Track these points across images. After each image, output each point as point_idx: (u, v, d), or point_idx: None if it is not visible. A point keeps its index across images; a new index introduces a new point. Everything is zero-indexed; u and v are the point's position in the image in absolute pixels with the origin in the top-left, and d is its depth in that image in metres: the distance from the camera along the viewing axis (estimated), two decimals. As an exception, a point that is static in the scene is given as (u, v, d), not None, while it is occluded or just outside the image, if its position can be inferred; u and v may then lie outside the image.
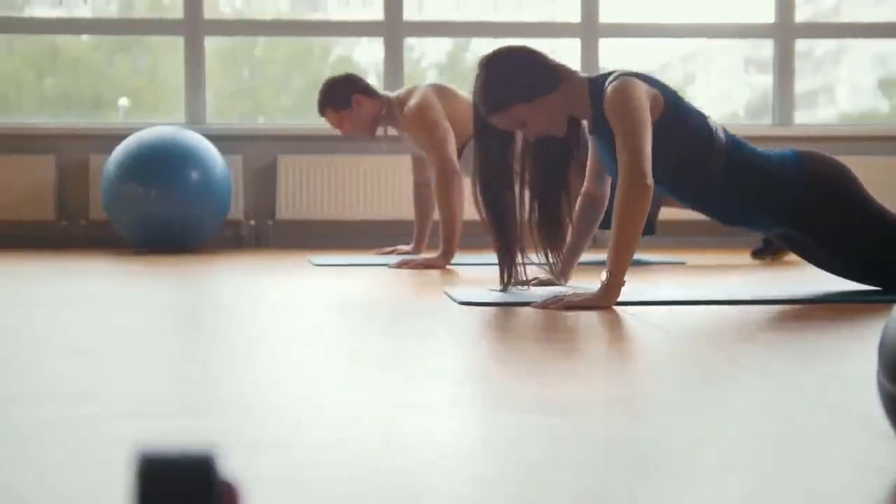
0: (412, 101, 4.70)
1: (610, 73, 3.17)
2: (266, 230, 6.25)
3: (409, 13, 6.45)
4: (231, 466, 1.29)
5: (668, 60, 9.30)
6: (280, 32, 6.77)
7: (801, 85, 9.89)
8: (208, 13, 6.38)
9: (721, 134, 3.19)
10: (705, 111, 3.23)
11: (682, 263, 4.89)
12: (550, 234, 3.34)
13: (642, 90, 3.07)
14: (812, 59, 10.29)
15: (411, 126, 4.69)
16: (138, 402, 1.68)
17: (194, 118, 6.29)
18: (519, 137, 3.26)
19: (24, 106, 7.17)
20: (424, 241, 5.21)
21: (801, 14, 6.60)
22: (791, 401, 1.71)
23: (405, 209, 5.82)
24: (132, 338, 2.43)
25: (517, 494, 1.18)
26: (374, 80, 6.12)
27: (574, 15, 6.44)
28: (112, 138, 5.86)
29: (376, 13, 6.39)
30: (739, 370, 2.00)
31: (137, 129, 5.73)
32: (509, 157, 3.27)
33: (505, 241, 3.31)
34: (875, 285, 3.28)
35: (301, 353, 2.23)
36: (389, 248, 5.38)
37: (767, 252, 4.95)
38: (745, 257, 5.09)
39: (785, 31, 6.50)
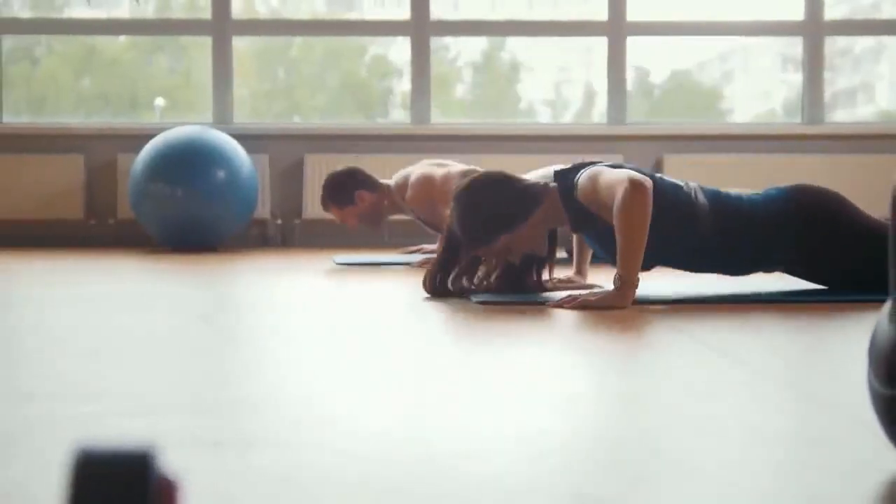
0: (412, 181, 4.71)
1: (573, 169, 3.17)
2: (293, 229, 6.26)
3: (444, 12, 6.45)
4: (226, 463, 1.30)
5: (706, 59, 9.27)
6: (306, 32, 6.79)
7: (840, 83, 9.81)
8: (238, 13, 6.40)
9: (701, 196, 3.14)
10: (678, 180, 3.20)
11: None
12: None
13: (611, 171, 3.07)
14: (851, 56, 10.22)
15: (418, 205, 4.68)
16: (143, 400, 1.68)
17: (222, 118, 6.32)
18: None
19: (62, 106, 7.25)
20: (449, 240, 5.19)
21: (839, 11, 6.54)
22: (792, 399, 1.70)
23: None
24: (144, 336, 2.45)
25: (522, 494, 1.18)
26: (406, 79, 6.13)
27: (602, 13, 6.42)
28: (140, 138, 5.90)
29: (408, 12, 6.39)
30: (742, 368, 1.99)
31: (165, 129, 5.76)
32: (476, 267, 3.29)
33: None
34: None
35: (309, 353, 2.24)
36: (414, 248, 5.38)
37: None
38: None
39: (814, 29, 6.45)
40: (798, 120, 6.65)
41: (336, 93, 7.36)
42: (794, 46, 7.06)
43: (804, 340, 2.38)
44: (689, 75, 8.61)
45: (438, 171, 4.67)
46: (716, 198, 3.16)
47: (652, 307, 2.94)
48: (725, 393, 1.74)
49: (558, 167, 3.40)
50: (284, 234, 6.26)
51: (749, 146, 6.36)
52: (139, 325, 2.61)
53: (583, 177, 3.09)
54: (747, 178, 5.97)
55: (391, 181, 4.90)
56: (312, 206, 6.21)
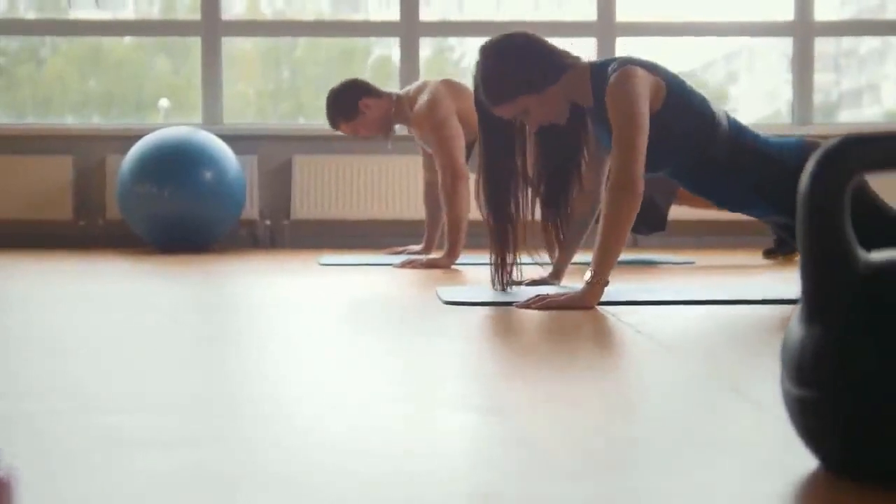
0: (422, 99, 4.70)
1: (613, 60, 3.17)
2: (281, 230, 6.27)
3: (447, 13, 6.45)
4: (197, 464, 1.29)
5: (711, 59, 9.25)
6: (295, 33, 6.80)
7: (845, 83, 9.77)
8: (238, 14, 6.41)
9: (724, 119, 3.18)
10: (709, 100, 3.20)
11: (692, 263, 4.85)
12: (554, 221, 3.35)
13: (644, 80, 3.07)
14: (856, 57, 10.19)
15: (420, 124, 4.69)
16: (119, 399, 1.69)
17: (211, 118, 6.33)
18: (524, 129, 3.26)
19: (67, 107, 7.28)
20: (435, 241, 5.20)
21: (846, 12, 6.51)
22: (741, 403, 1.70)
23: (420, 209, 5.82)
24: (119, 336, 2.45)
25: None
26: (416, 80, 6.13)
27: (593, 13, 6.41)
28: (128, 139, 5.91)
29: (423, 14, 6.39)
30: (688, 364, 1.99)
31: (153, 130, 5.77)
32: (515, 149, 3.28)
33: (502, 240, 3.30)
34: None
35: (283, 352, 2.24)
36: (400, 248, 5.39)
37: (779, 252, 4.91)
38: (757, 257, 5.05)
39: (804, 30, 6.43)
40: (788, 121, 6.64)
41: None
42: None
43: (772, 341, 2.38)
44: (693, 76, 8.62)
45: (444, 106, 4.63)
46: (737, 127, 3.18)
47: (620, 308, 2.93)
48: (662, 392, 1.74)
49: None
50: (273, 234, 6.27)
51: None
52: (115, 324, 2.62)
53: (613, 77, 3.06)
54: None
55: (401, 91, 4.90)
56: (301, 206, 6.22)
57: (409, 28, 6.35)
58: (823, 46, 9.64)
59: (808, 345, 1.24)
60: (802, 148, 3.17)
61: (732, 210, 3.31)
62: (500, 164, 3.26)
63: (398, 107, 4.83)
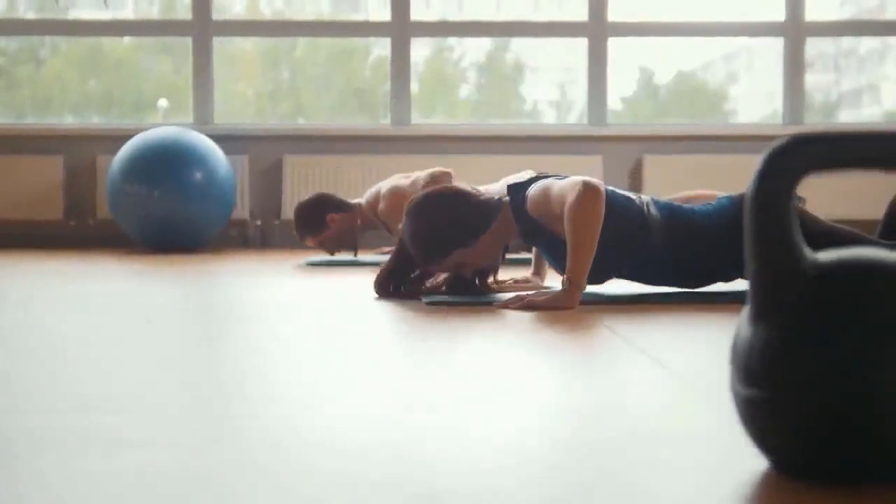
0: (385, 192, 4.71)
1: (526, 182, 3.16)
2: (272, 230, 6.27)
3: (449, 13, 6.44)
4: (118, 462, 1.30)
5: (711, 60, 9.26)
6: (287, 33, 6.80)
7: (845, 84, 9.77)
8: (238, 14, 6.41)
9: (653, 210, 3.14)
10: (631, 193, 3.20)
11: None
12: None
13: (559, 184, 3.06)
14: (856, 57, 10.20)
15: (394, 219, 4.68)
16: (83, 399, 1.70)
17: (202, 119, 6.33)
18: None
19: (67, 107, 7.30)
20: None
21: (845, 12, 6.50)
22: (692, 396, 1.70)
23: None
24: (87, 336, 2.46)
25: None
26: (412, 80, 6.12)
27: (586, 14, 6.41)
28: (119, 139, 5.91)
29: (422, 14, 6.39)
30: (657, 366, 1.99)
31: (144, 130, 5.77)
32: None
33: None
34: None
35: (253, 353, 2.24)
36: (388, 248, 5.39)
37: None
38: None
39: (795, 30, 6.43)
40: (779, 121, 6.64)
41: (342, 94, 7.38)
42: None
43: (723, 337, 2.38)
44: (693, 76, 8.61)
45: (405, 182, 4.67)
46: (668, 211, 3.15)
47: (597, 307, 2.93)
48: (625, 391, 1.74)
49: (512, 179, 3.39)
50: (264, 234, 6.27)
51: (729, 147, 6.34)
52: (88, 325, 2.62)
53: (533, 189, 3.08)
54: (726, 179, 5.97)
55: (361, 200, 4.91)
56: (291, 206, 6.21)
57: (400, 28, 6.35)
58: (823, 47, 9.65)
59: (756, 345, 1.24)
60: (737, 201, 3.15)
61: (701, 286, 3.25)
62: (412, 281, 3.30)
63: (363, 215, 4.85)
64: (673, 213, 3.14)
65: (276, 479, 1.23)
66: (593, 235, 2.94)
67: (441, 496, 1.16)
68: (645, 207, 3.12)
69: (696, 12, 6.74)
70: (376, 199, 4.78)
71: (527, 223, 3.12)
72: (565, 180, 3.03)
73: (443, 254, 3.12)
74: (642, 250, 3.11)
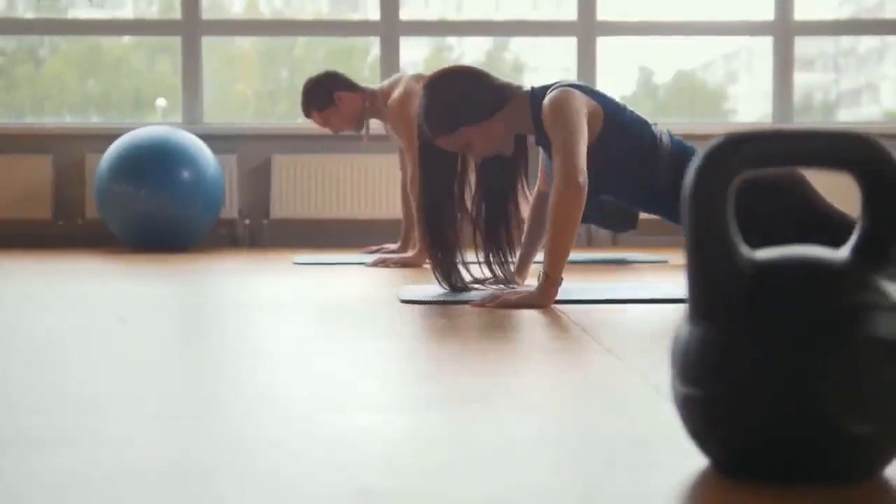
0: (395, 93, 4.70)
1: (551, 86, 3.17)
2: (261, 229, 6.28)
3: (448, 13, 6.44)
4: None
5: (710, 59, 9.25)
6: (276, 32, 6.80)
7: (844, 83, 9.75)
8: (236, 13, 6.41)
9: (666, 139, 3.19)
10: (649, 119, 3.23)
11: (665, 262, 4.86)
12: (495, 248, 3.34)
13: (579, 101, 3.07)
14: (855, 56, 10.18)
15: (394, 118, 4.70)
16: (48, 398, 1.71)
17: (191, 118, 6.33)
18: (465, 160, 3.26)
19: (66, 106, 7.31)
20: (411, 240, 5.19)
21: (844, 11, 6.47)
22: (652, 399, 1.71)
23: (399, 208, 5.81)
24: (48, 336, 2.46)
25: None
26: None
27: (574, 13, 6.41)
28: (108, 138, 5.90)
29: (421, 13, 6.39)
30: (618, 365, 1.99)
31: (132, 129, 5.77)
32: (455, 179, 3.26)
33: (442, 253, 3.28)
34: None
35: (227, 353, 2.25)
36: (376, 247, 5.39)
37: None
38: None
39: (783, 29, 6.43)
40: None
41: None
42: (802, 46, 7.00)
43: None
44: (693, 76, 8.60)
45: (415, 103, 4.61)
46: (680, 146, 3.20)
47: (575, 307, 2.93)
48: (585, 391, 1.74)
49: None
50: (253, 234, 6.27)
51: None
52: (53, 324, 2.62)
53: (547, 100, 3.07)
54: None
55: (376, 86, 4.90)
56: (280, 206, 6.22)
57: (389, 27, 6.35)
58: (823, 46, 9.64)
59: (693, 344, 1.24)
60: None
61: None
62: (439, 192, 3.24)
63: (373, 101, 4.84)
64: (684, 149, 3.19)
65: (256, 479, 1.23)
66: (571, 234, 2.96)
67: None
68: (659, 136, 3.18)
69: (688, 12, 6.74)
70: (391, 90, 4.76)
71: (539, 127, 3.13)
72: (559, 140, 2.98)
73: (450, 127, 3.12)
74: (647, 173, 3.15)
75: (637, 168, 3.16)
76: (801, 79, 6.78)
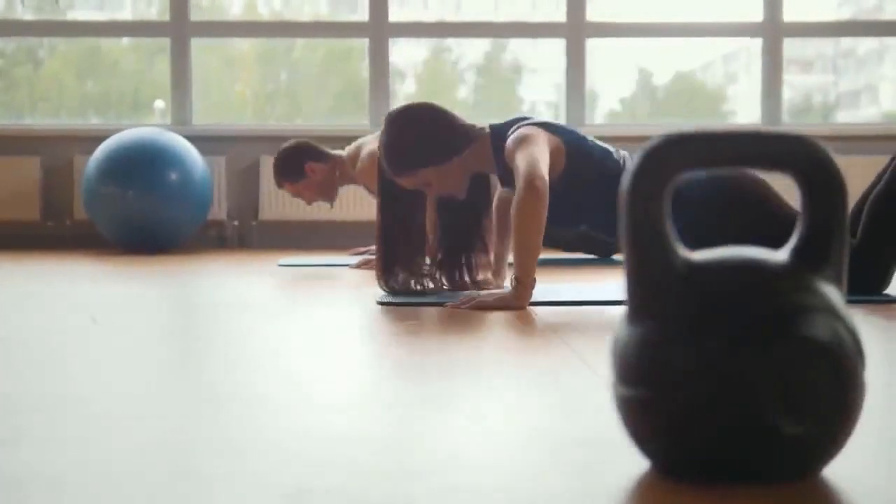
0: (363, 153, 4.72)
1: (512, 122, 3.19)
2: (249, 231, 6.28)
3: (446, 14, 6.43)
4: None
5: (709, 60, 9.26)
6: (266, 34, 6.80)
7: (843, 85, 9.76)
8: (238, 14, 6.42)
9: (630, 164, 3.15)
10: (610, 146, 3.25)
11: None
12: (454, 277, 3.34)
13: (542, 138, 3.09)
14: (855, 58, 10.20)
15: (367, 178, 4.70)
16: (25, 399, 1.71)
17: (180, 119, 6.33)
18: (424, 196, 3.27)
19: (64, 108, 7.32)
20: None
21: (844, 12, 6.46)
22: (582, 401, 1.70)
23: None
24: (24, 337, 2.47)
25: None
26: (410, 81, 6.13)
27: (565, 15, 6.41)
28: (96, 139, 5.91)
29: (413, 16, 6.39)
30: (583, 367, 1.99)
31: (121, 130, 5.77)
32: (415, 215, 3.26)
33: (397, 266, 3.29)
34: None
35: (195, 354, 2.24)
36: (363, 248, 5.40)
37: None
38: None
39: (772, 30, 6.42)
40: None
41: (339, 95, 7.39)
42: (799, 48, 7.00)
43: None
44: (692, 77, 8.61)
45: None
46: None
47: (550, 308, 2.93)
48: (542, 392, 1.74)
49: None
50: (241, 235, 6.27)
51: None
52: (41, 325, 2.63)
53: (511, 138, 3.09)
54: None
55: (343, 152, 4.91)
56: (269, 207, 6.22)
57: (378, 29, 6.35)
58: (822, 48, 9.64)
59: (631, 344, 1.24)
60: (720, 181, 3.16)
61: None
62: (399, 230, 3.25)
63: (342, 169, 4.86)
64: None
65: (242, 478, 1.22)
66: (537, 236, 2.95)
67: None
68: (622, 161, 3.19)
69: (680, 13, 6.74)
70: (357, 154, 4.78)
71: (504, 166, 3.14)
72: (527, 156, 3.00)
73: (410, 167, 3.13)
74: (613, 204, 3.15)
75: (606, 194, 3.16)
76: (799, 80, 6.78)
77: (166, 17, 6.43)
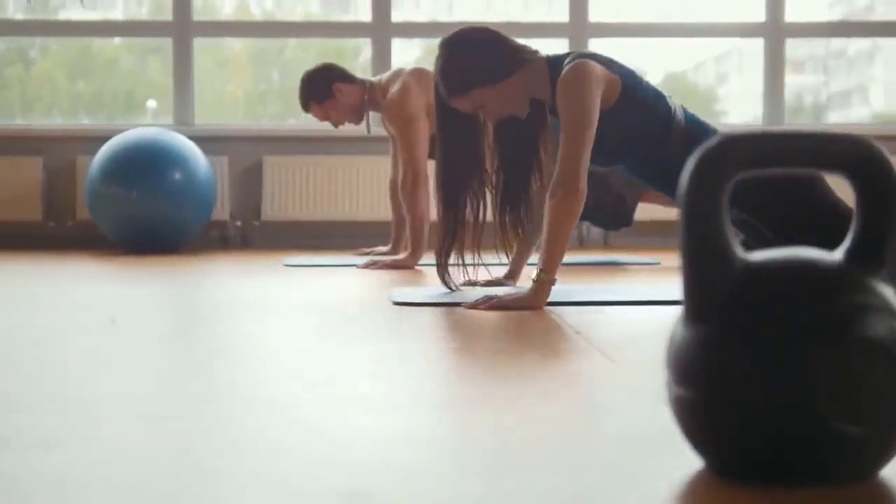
0: (394, 88, 4.69)
1: (570, 54, 3.16)
2: (252, 231, 6.27)
3: (442, 14, 6.43)
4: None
5: (701, 60, 9.26)
6: (268, 34, 6.79)
7: (834, 85, 9.77)
8: (228, 14, 6.40)
9: (680, 113, 3.17)
10: (665, 92, 3.21)
11: (657, 264, 4.86)
12: (514, 219, 3.33)
13: (597, 75, 3.05)
14: (845, 58, 10.20)
15: (391, 116, 4.69)
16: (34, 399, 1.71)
17: (182, 119, 6.32)
18: (484, 124, 3.24)
19: (56, 108, 7.30)
20: (402, 241, 5.18)
21: (835, 13, 6.47)
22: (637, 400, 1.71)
23: (390, 210, 5.81)
24: (37, 337, 2.46)
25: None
26: None
27: (566, 14, 6.41)
28: (99, 140, 5.88)
29: (410, 15, 6.38)
30: (612, 367, 1.99)
31: (124, 131, 5.76)
32: (474, 144, 3.25)
33: (450, 238, 3.29)
34: None
35: (211, 355, 2.24)
36: (368, 249, 5.38)
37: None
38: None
39: (774, 31, 6.44)
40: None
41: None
42: (793, 48, 7.01)
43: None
44: (684, 77, 8.61)
45: (413, 101, 4.61)
46: (694, 121, 3.19)
47: (567, 308, 2.93)
48: (580, 393, 1.74)
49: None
50: (244, 235, 6.26)
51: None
52: (45, 325, 2.62)
53: (566, 69, 3.05)
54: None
55: (375, 78, 4.89)
56: (272, 207, 6.21)
57: (381, 29, 6.35)
58: (813, 48, 9.65)
59: (688, 345, 1.24)
60: None
61: None
62: (458, 157, 3.23)
63: (371, 94, 4.82)
64: (698, 125, 3.18)
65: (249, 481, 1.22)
66: (566, 236, 2.97)
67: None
68: (674, 109, 3.16)
69: (680, 13, 6.74)
70: (389, 82, 4.74)
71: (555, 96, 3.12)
72: (566, 142, 2.97)
73: (465, 88, 3.11)
74: (658, 148, 3.13)
75: (647, 141, 3.14)
76: (791, 81, 6.79)
77: (159, 17, 6.41)
